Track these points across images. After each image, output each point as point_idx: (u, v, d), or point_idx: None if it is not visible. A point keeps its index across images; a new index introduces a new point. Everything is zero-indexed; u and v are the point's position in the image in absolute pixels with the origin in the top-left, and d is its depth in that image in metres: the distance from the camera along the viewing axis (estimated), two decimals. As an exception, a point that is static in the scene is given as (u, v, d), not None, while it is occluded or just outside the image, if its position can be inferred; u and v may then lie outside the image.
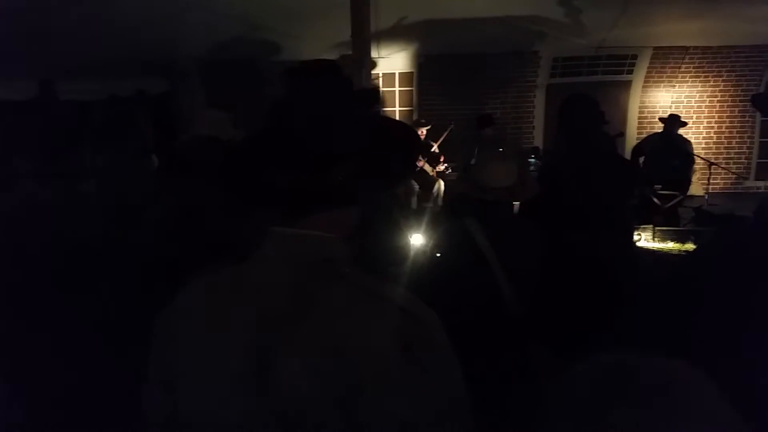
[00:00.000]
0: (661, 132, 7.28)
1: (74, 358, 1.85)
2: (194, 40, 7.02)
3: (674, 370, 0.69)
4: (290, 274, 0.87)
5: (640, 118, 9.06)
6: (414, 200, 7.46)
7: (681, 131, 7.32)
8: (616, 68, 8.89)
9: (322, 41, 7.76)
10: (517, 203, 2.60)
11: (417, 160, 1.25)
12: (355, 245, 0.94)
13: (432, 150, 7.64)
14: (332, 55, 8.39)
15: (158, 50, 7.07)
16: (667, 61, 8.72)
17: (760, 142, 9.00)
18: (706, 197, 7.41)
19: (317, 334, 0.82)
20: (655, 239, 6.41)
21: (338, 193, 0.87)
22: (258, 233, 0.91)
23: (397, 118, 9.11)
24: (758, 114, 8.83)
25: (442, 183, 7.57)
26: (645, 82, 8.94)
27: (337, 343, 0.81)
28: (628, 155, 7.48)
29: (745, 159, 9.11)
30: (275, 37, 7.41)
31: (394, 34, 7.63)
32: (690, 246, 6.13)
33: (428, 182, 7.55)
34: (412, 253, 3.16)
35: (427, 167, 7.55)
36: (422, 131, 7.62)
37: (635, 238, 6.21)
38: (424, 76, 8.95)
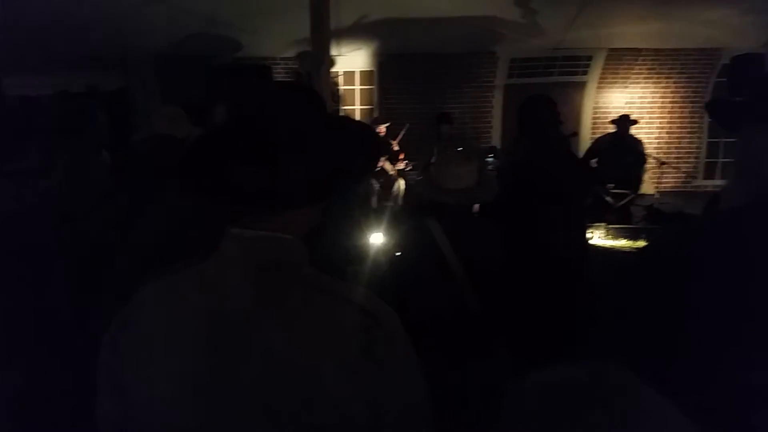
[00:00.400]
0: (614, 132, 7.49)
1: (21, 361, 1.79)
2: (150, 35, 6.86)
3: (619, 378, 0.68)
4: (249, 276, 0.86)
5: (594, 118, 9.28)
6: (374, 199, 7.47)
7: (633, 131, 7.54)
8: (571, 69, 9.08)
9: (281, 38, 7.69)
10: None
11: (378, 159, 1.25)
12: (311, 242, 0.94)
13: (391, 148, 7.67)
14: (292, 53, 8.34)
15: (112, 45, 6.88)
16: (621, 62, 8.96)
17: (709, 142, 9.34)
18: (657, 196, 7.65)
19: (276, 335, 0.82)
20: (608, 237, 6.58)
21: (297, 194, 0.87)
22: (215, 234, 0.90)
23: (358, 116, 9.10)
24: (707, 115, 9.14)
25: (402, 182, 7.60)
26: (599, 83, 9.16)
27: (296, 343, 0.81)
28: (581, 155, 7.66)
29: (695, 159, 9.44)
30: (233, 33, 7.31)
31: (354, 32, 7.62)
32: (641, 243, 6.33)
33: (388, 181, 7.57)
34: (372, 252, 3.16)
35: (387, 166, 7.56)
36: (381, 130, 7.63)
37: (588, 235, 6.36)
38: (385, 75, 8.96)
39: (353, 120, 1.10)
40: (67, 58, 6.51)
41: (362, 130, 1.04)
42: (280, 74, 8.58)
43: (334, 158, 0.89)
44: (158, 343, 0.87)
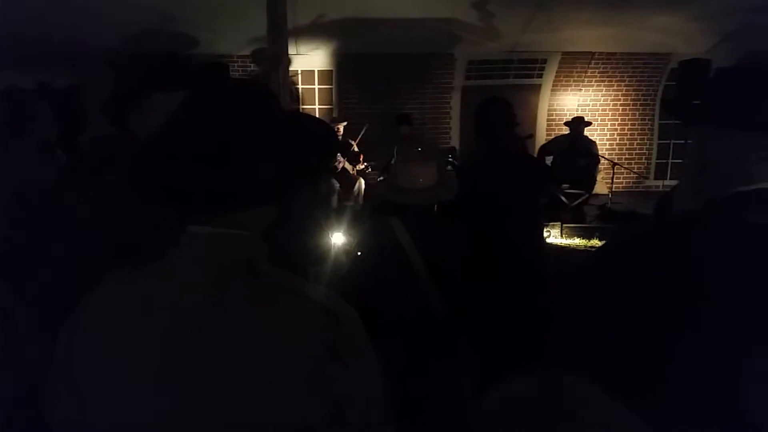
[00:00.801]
0: (568, 134, 7.67)
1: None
2: (104, 31, 6.66)
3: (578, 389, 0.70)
4: (207, 274, 0.85)
5: (548, 120, 9.49)
6: (335, 199, 7.45)
7: (586, 132, 7.75)
8: (527, 72, 9.26)
9: (238, 36, 7.59)
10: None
11: (334, 156, 1.23)
12: (272, 242, 0.93)
13: (351, 148, 7.66)
14: (248, 50, 8.24)
15: (65, 41, 6.66)
16: (574, 66, 9.18)
17: (659, 143, 9.66)
18: (610, 196, 7.87)
19: (236, 334, 0.81)
20: (563, 236, 6.75)
21: (254, 191, 0.86)
22: (173, 232, 0.88)
23: (317, 116, 9.06)
24: (657, 117, 9.48)
25: (362, 181, 7.60)
26: (554, 85, 9.37)
27: (256, 341, 0.80)
28: (536, 155, 7.82)
29: (646, 159, 9.75)
30: (190, 30, 7.17)
31: (312, 31, 7.59)
32: (596, 242, 6.51)
33: (349, 181, 7.56)
34: (333, 252, 3.16)
35: (348, 166, 7.56)
36: (340, 129, 7.62)
37: (545, 234, 6.51)
38: (344, 75, 8.95)
39: (309, 116, 1.09)
40: (18, 53, 6.26)
41: (318, 126, 1.03)
42: (237, 72, 8.46)
43: (289, 155, 0.89)
44: (115, 343, 0.85)
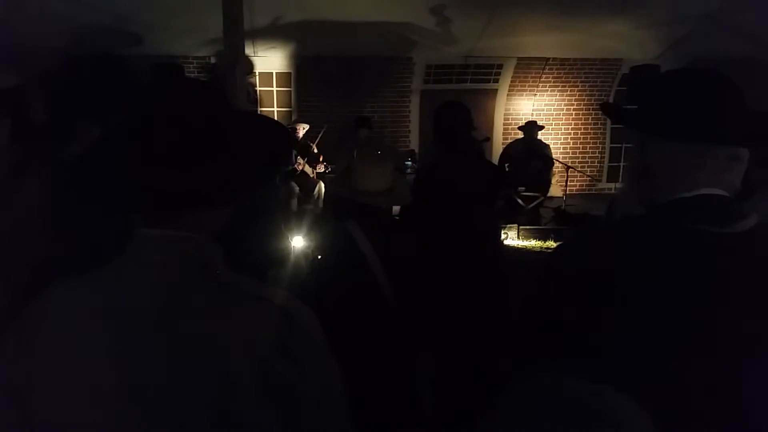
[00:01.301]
0: (523, 138, 7.83)
1: None
2: (52, 30, 6.45)
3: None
4: (157, 277, 0.83)
5: (505, 124, 9.65)
6: (294, 202, 7.39)
7: (541, 136, 7.91)
8: (483, 77, 9.40)
9: (194, 36, 7.46)
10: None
11: (289, 156, 1.20)
12: (230, 246, 0.92)
13: (311, 150, 7.62)
14: (205, 52, 8.11)
15: (9, 40, 6.41)
16: (529, 71, 9.37)
17: (611, 147, 9.94)
18: (564, 198, 8.05)
19: (188, 337, 0.79)
20: (520, 237, 6.87)
21: (205, 192, 0.84)
22: (121, 235, 0.86)
23: (276, 118, 8.97)
24: (609, 122, 9.75)
25: (322, 185, 7.56)
26: (509, 90, 9.54)
27: (209, 345, 0.79)
28: (494, 159, 7.95)
29: (598, 163, 10.02)
30: (143, 30, 7.02)
31: (270, 33, 7.53)
32: (551, 243, 6.65)
33: (309, 184, 7.51)
34: (292, 255, 3.13)
35: (308, 169, 7.51)
36: (299, 130, 7.58)
37: (502, 236, 6.61)
38: (302, 77, 8.90)
39: (262, 116, 1.08)
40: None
41: (272, 126, 1.01)
42: (193, 73, 8.32)
43: (241, 155, 0.87)
44: (61, 349, 0.82)
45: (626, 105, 6.07)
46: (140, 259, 0.85)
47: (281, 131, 1.02)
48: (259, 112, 8.11)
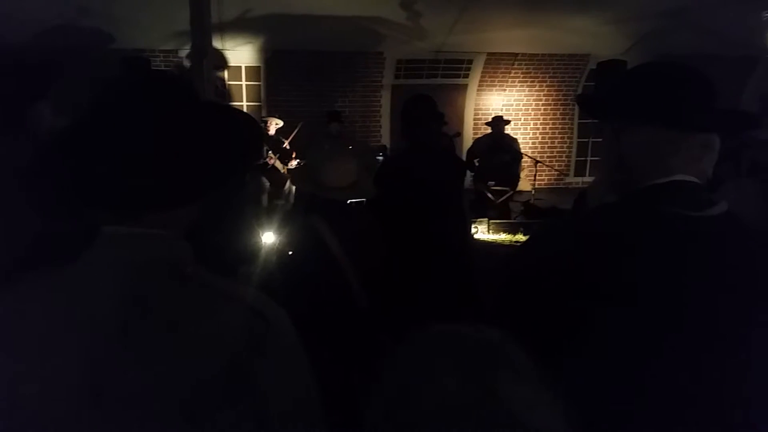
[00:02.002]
0: (491, 132, 7.90)
1: None
2: (13, 23, 6.25)
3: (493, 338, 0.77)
4: (125, 276, 0.81)
5: (475, 119, 9.72)
6: (265, 198, 7.32)
7: (509, 130, 7.99)
8: (453, 72, 9.45)
9: (160, 30, 7.33)
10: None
11: (259, 150, 1.17)
12: (200, 243, 0.90)
13: (283, 146, 7.55)
14: (172, 45, 7.97)
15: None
16: (499, 66, 9.45)
17: (578, 142, 10.10)
18: (533, 192, 8.15)
19: (158, 337, 0.78)
20: (490, 231, 6.94)
21: (172, 188, 0.82)
22: (87, 234, 0.83)
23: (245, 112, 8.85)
24: (576, 116, 9.91)
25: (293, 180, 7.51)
26: (479, 85, 9.61)
27: (179, 344, 0.78)
28: (464, 153, 8.00)
29: (566, 157, 10.17)
30: (109, 24, 6.86)
31: (239, 27, 7.43)
32: (521, 237, 6.72)
33: (279, 180, 7.45)
34: (263, 251, 3.11)
35: (279, 164, 7.45)
36: (270, 126, 7.50)
37: (472, 230, 6.67)
38: (272, 71, 8.81)
39: (232, 108, 1.04)
40: None
41: (241, 119, 0.98)
42: (160, 67, 8.17)
43: (210, 150, 0.85)
44: (23, 354, 0.79)
45: (590, 96, 6.15)
46: (107, 258, 0.83)
47: (251, 124, 0.99)
48: (225, 104, 7.98)
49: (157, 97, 0.85)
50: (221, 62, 8.26)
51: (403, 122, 3.11)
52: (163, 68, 8.14)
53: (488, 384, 0.69)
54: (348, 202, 2.45)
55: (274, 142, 7.47)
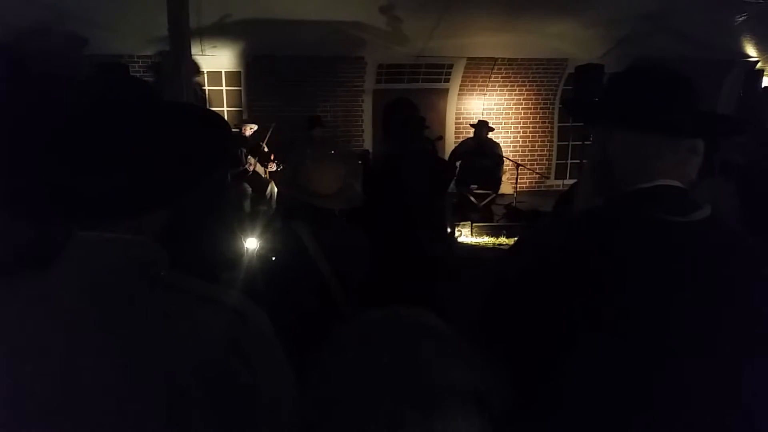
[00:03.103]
0: (474, 137, 7.94)
1: None
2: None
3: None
4: (98, 281, 0.79)
5: (456, 123, 9.77)
6: (248, 203, 7.28)
7: (491, 135, 8.04)
8: (434, 76, 9.49)
9: (137, 35, 7.26)
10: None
11: (227, 150, 1.13)
12: (179, 249, 0.89)
13: (261, 149, 7.52)
14: (150, 51, 7.90)
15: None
16: (479, 70, 9.51)
17: (558, 145, 10.19)
18: (515, 195, 8.21)
19: (133, 341, 0.77)
20: (473, 234, 6.97)
21: (140, 190, 0.81)
22: (58, 240, 0.82)
23: (225, 118, 8.80)
24: (556, 120, 10.00)
25: (274, 185, 7.48)
26: (460, 90, 9.66)
27: (155, 348, 0.77)
28: (447, 156, 8.03)
29: (546, 160, 10.26)
30: (84, 28, 6.77)
31: (218, 32, 7.39)
32: (503, 239, 6.76)
33: (261, 184, 7.42)
34: (245, 257, 3.08)
35: (260, 168, 7.41)
36: (246, 131, 7.48)
37: (456, 234, 6.70)
38: (252, 76, 8.77)
39: (200, 109, 1.03)
40: None
41: (208, 118, 0.96)
42: (138, 73, 8.08)
43: (173, 151, 0.83)
44: None
45: (576, 101, 6.20)
46: (79, 264, 0.81)
47: (219, 123, 0.96)
48: (191, 103, 7.93)
49: (116, 98, 0.84)
50: (195, 68, 8.21)
51: (386, 124, 3.10)
52: (141, 74, 8.06)
53: (416, 355, 0.75)
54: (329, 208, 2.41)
55: (253, 147, 7.44)
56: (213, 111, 1.05)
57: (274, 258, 2.46)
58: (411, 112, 3.13)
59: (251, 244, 3.40)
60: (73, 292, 0.79)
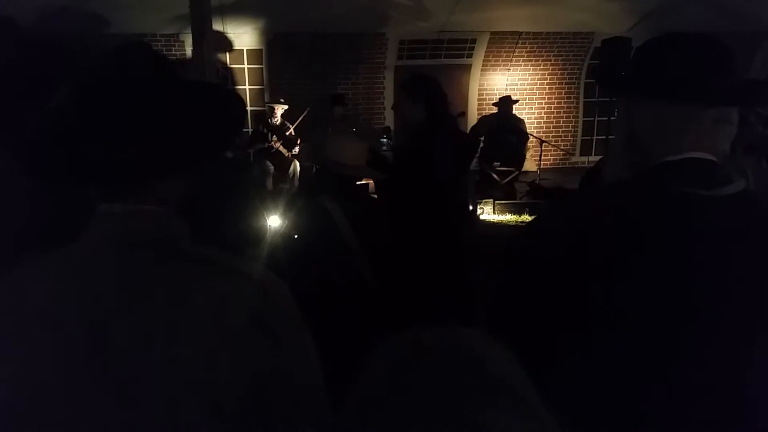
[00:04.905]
0: (497, 112, 7.82)
1: None
2: (9, 8, 6.21)
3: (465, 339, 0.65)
4: (123, 253, 0.81)
5: (479, 99, 9.65)
6: (270, 181, 7.31)
7: (515, 110, 7.92)
8: (457, 52, 9.35)
9: (159, 14, 7.26)
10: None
11: (240, 124, 1.12)
12: (201, 223, 0.90)
13: (288, 133, 7.51)
14: (173, 29, 7.92)
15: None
16: (502, 45, 9.34)
17: (584, 121, 10.01)
18: (539, 172, 8.11)
19: (158, 314, 0.78)
20: (496, 212, 6.92)
21: (159, 162, 0.83)
22: (84, 212, 0.84)
23: (247, 96, 8.83)
24: (582, 95, 9.80)
25: (297, 164, 7.49)
26: (483, 65, 9.51)
27: (180, 319, 0.78)
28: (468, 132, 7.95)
29: (571, 137, 10.10)
30: (105, 8, 6.80)
31: (240, 9, 7.36)
32: (526, 217, 6.70)
33: (284, 163, 7.43)
34: (269, 234, 3.10)
35: (283, 149, 7.42)
36: (277, 111, 7.47)
37: (478, 211, 6.65)
38: (274, 54, 8.75)
39: (213, 84, 1.06)
40: None
41: (222, 93, 1.00)
42: (161, 51, 8.10)
43: (188, 124, 0.86)
44: (23, 335, 0.79)
45: (605, 72, 6.07)
46: (101, 236, 0.83)
47: (234, 98, 1.00)
48: (206, 80, 7.97)
49: (132, 71, 0.85)
50: (224, 45, 8.20)
51: (416, 99, 3.01)
52: (164, 52, 8.08)
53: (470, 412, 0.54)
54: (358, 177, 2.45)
55: (279, 127, 7.44)
56: (228, 87, 1.08)
57: (296, 236, 2.47)
58: (437, 86, 3.08)
59: (274, 221, 3.42)
60: (97, 263, 0.81)
